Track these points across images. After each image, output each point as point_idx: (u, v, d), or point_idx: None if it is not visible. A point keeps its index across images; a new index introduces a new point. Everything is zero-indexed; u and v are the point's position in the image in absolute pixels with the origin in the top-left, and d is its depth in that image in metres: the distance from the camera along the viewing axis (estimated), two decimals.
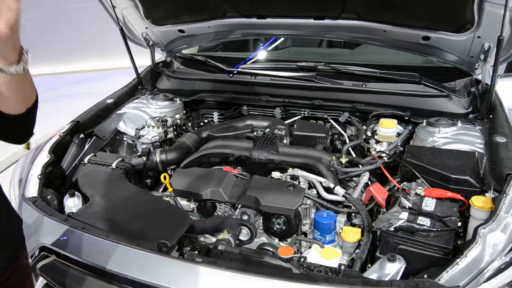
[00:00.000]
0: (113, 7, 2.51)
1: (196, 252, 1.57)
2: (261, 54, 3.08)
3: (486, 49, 2.17)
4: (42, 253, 1.54)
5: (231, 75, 2.77)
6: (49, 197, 1.90)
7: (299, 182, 1.98)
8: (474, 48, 2.23)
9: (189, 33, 2.74)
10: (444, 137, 2.18)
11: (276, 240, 1.91)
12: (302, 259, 1.57)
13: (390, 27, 2.31)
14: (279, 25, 2.52)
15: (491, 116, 2.26)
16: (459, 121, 2.27)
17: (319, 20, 2.39)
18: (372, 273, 1.48)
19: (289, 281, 1.33)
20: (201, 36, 2.78)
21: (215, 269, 1.37)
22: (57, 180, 2.06)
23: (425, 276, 1.44)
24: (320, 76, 2.60)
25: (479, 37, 2.14)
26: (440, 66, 2.67)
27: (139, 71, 2.90)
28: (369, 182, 2.08)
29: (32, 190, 1.88)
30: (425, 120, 2.31)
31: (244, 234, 1.83)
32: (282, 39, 3.08)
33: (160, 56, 3.07)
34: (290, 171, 2.00)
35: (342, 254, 1.71)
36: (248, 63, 2.91)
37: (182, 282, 1.36)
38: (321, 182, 1.96)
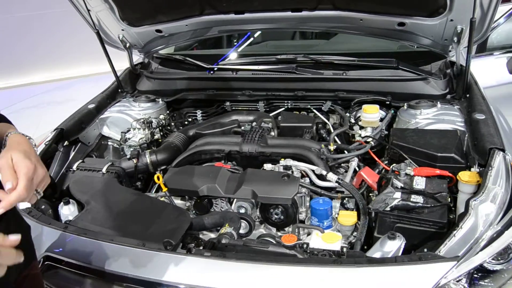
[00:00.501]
0: (88, 10, 2.47)
1: (201, 247, 1.58)
2: (239, 49, 3.10)
3: (459, 31, 2.25)
4: (46, 263, 1.52)
5: (211, 72, 2.77)
6: (43, 207, 1.86)
7: (292, 172, 2.02)
8: (448, 31, 2.30)
9: (167, 32, 2.72)
10: (426, 118, 2.26)
11: (274, 230, 1.95)
12: (304, 245, 1.60)
13: (366, 16, 2.36)
14: (257, 19, 2.54)
15: (467, 95, 2.36)
16: (438, 102, 2.35)
17: (297, 13, 2.42)
18: (374, 252, 1.53)
19: (299, 266, 1.37)
20: (179, 35, 2.76)
21: (225, 261, 1.39)
22: (47, 190, 2.01)
23: (425, 250, 1.50)
24: (300, 67, 2.64)
25: (451, 20, 2.22)
26: (415, 51, 2.76)
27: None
28: (356, 168, 2.15)
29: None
30: (406, 103, 2.39)
31: (243, 228, 1.85)
32: (259, 32, 3.09)
33: (137, 57, 3.04)
34: (283, 161, 2.03)
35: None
36: (227, 59, 2.92)
37: (194, 277, 1.37)
38: (313, 170, 2.00)
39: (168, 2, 2.52)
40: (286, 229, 1.92)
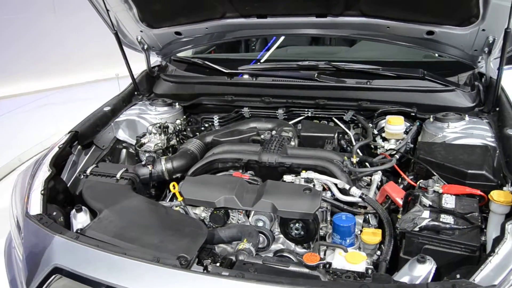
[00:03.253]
0: (107, 10, 2.42)
1: (218, 264, 1.50)
2: (258, 54, 3.03)
3: (490, 42, 2.16)
4: (55, 275, 1.45)
5: (230, 78, 2.70)
6: (54, 213, 1.80)
7: (314, 185, 1.93)
8: (478, 41, 2.21)
9: (186, 35, 2.66)
10: (453, 132, 2.16)
11: (293, 246, 1.86)
12: (327, 265, 1.51)
13: (393, 23, 2.28)
14: (280, 24, 2.46)
15: (497, 109, 2.25)
16: (466, 115, 2.25)
17: (321, 18, 2.34)
18: (402, 276, 1.44)
19: None
20: (198, 38, 2.70)
21: (244, 282, 1.31)
22: (60, 195, 1.97)
23: (458, 276, 1.40)
24: (322, 75, 2.55)
25: (483, 30, 2.13)
26: (442, 60, 2.65)
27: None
28: (379, 182, 2.05)
29: (36, 207, 1.78)
30: (432, 116, 2.29)
31: (260, 242, 1.77)
32: (282, 37, 3.02)
33: (155, 60, 2.98)
34: (304, 174, 1.95)
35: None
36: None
37: None
38: (336, 184, 1.91)
39: (189, 4, 2.46)
40: (306, 245, 1.83)
